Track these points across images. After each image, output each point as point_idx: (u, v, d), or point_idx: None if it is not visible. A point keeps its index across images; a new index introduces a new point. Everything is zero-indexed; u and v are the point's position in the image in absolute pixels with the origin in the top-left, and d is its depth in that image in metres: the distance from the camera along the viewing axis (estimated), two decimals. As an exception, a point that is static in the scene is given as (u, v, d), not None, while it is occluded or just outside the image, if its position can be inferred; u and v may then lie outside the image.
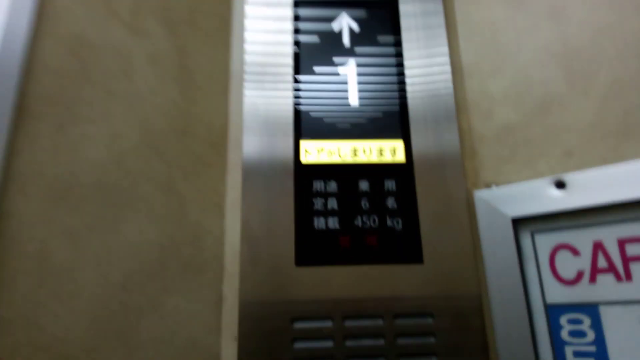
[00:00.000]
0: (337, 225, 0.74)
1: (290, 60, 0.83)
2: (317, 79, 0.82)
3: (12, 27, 0.56)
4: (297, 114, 0.80)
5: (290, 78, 0.82)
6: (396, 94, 0.82)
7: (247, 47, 0.82)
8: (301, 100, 0.81)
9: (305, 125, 0.79)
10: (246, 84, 0.80)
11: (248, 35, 0.83)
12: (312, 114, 0.80)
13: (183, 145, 0.71)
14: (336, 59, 0.84)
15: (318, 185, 0.76)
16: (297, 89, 0.81)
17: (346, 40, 0.85)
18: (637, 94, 0.65)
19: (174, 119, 0.71)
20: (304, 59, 0.84)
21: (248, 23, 0.84)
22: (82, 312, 0.54)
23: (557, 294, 0.66)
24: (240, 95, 0.80)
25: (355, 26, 0.86)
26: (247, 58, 0.81)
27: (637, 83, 0.66)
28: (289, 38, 0.84)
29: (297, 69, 0.83)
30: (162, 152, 0.68)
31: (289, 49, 0.83)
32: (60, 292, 0.53)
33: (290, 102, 0.80)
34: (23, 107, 0.54)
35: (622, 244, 0.62)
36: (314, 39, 0.85)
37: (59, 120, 0.57)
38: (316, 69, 0.83)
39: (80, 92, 0.60)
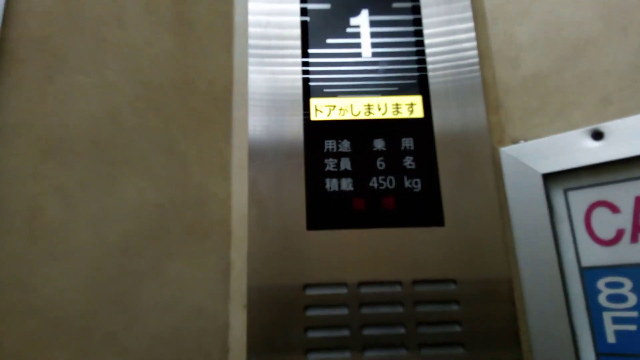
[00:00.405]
0: (350, 187, 0.69)
1: (298, 20, 0.76)
2: (329, 40, 0.76)
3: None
4: (306, 75, 0.74)
5: (298, 41, 0.76)
6: (413, 46, 0.76)
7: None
8: (310, 65, 0.75)
9: (315, 82, 0.73)
10: (250, 38, 0.74)
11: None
12: (322, 70, 0.74)
13: (182, 101, 0.66)
14: (348, 10, 0.77)
15: (330, 144, 0.71)
16: (304, 26, 0.75)
17: (358, -10, 0.78)
18: (687, 30, 0.58)
19: (171, 73, 0.66)
20: (313, 15, 0.77)
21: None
22: (77, 274, 0.50)
23: (594, 255, 0.60)
24: (245, 50, 0.75)
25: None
26: (251, 6, 0.75)
27: (687, 18, 0.58)
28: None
29: (305, 29, 0.76)
30: (160, 108, 0.63)
31: (297, 5, 0.77)
32: (53, 252, 0.49)
33: (298, 58, 0.74)
34: (6, 50, 0.50)
35: (669, 197, 0.56)
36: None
37: (47, 67, 0.52)
38: (327, 33, 0.77)
39: (69, 38, 0.55)
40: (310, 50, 0.75)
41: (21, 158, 0.49)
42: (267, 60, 0.74)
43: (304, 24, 0.76)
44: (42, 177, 0.50)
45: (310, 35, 0.76)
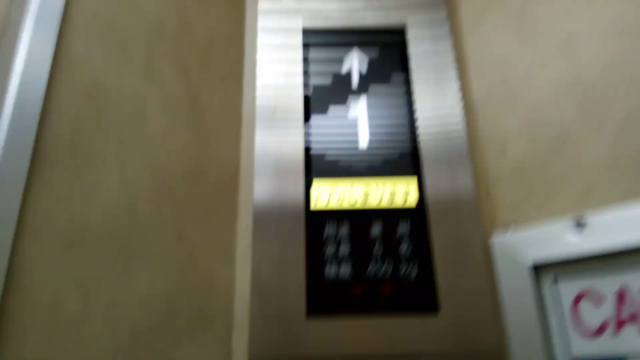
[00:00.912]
0: (349, 274, 0.72)
1: (300, 103, 0.83)
2: (328, 122, 0.83)
3: (30, 75, 0.57)
4: (308, 156, 0.80)
5: (300, 120, 0.82)
6: (407, 134, 0.82)
7: (259, 90, 0.83)
8: (312, 143, 0.81)
9: (316, 168, 0.79)
10: (258, 127, 0.80)
11: (260, 79, 0.84)
12: (322, 156, 0.80)
13: (194, 190, 0.71)
14: (346, 100, 0.84)
15: (329, 231, 0.75)
16: (307, 132, 0.81)
17: (355, 81, 0.86)
18: (655, 132, 0.64)
19: (185, 163, 0.71)
20: (315, 101, 0.84)
21: (260, 66, 0.85)
22: (89, 366, 0.53)
23: (582, 346, 0.63)
24: (252, 138, 0.81)
25: (364, 67, 0.87)
26: (259, 101, 0.82)
27: (654, 121, 0.64)
28: (300, 80, 0.85)
29: (308, 112, 0.83)
30: (173, 198, 0.68)
31: (300, 92, 0.84)
32: (70, 344, 0.52)
33: (301, 144, 0.80)
34: (39, 154, 0.55)
35: (650, 291, 0.59)
36: (323, 80, 0.86)
37: (74, 167, 0.57)
38: (326, 110, 0.83)
39: (94, 138, 0.61)
40: (312, 131, 0.81)
41: (46, 253, 0.53)
42: (272, 146, 0.80)
43: (307, 109, 0.83)
44: (64, 270, 0.54)
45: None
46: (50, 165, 0.55)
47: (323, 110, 0.83)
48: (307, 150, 0.80)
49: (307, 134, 0.81)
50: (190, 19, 0.79)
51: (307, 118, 0.82)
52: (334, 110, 0.84)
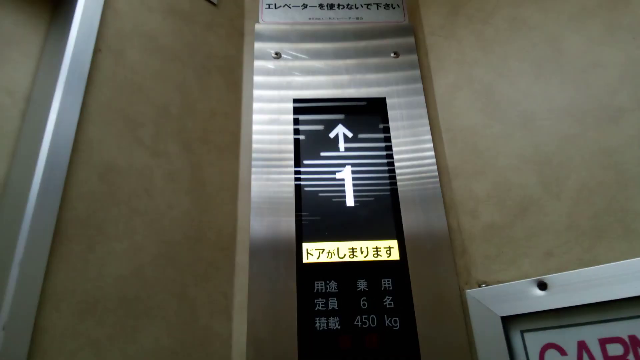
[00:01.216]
0: (337, 326, 0.79)
1: (292, 162, 0.92)
2: (317, 183, 0.91)
3: (53, 159, 0.65)
4: (300, 217, 0.87)
5: (292, 174, 0.90)
6: (388, 195, 0.90)
7: (255, 153, 0.92)
8: (303, 207, 0.89)
9: (307, 229, 0.87)
10: (253, 189, 0.89)
11: (255, 147, 0.93)
12: (313, 217, 0.88)
13: (195, 252, 0.79)
14: (334, 162, 0.93)
15: (319, 285, 0.82)
16: (298, 180, 0.90)
17: (341, 146, 0.95)
18: (603, 199, 0.72)
19: (188, 229, 0.79)
20: (304, 159, 0.93)
21: (255, 137, 0.94)
22: (99, 422, 0.58)
23: (550, 394, 0.69)
24: (247, 201, 0.89)
25: (349, 134, 0.97)
26: (255, 162, 0.91)
27: (601, 188, 0.73)
28: (291, 146, 0.94)
29: (298, 163, 0.92)
30: (177, 261, 0.75)
31: (291, 154, 0.93)
32: (83, 403, 0.58)
33: (292, 204, 0.88)
34: (59, 231, 0.62)
35: (603, 344, 0.66)
36: (311, 143, 0.95)
37: (89, 240, 0.65)
38: (317, 173, 0.92)
39: (107, 212, 0.68)
40: (303, 191, 0.89)
41: (64, 319, 0.60)
42: (266, 218, 0.88)
43: (297, 187, 0.92)
44: (80, 334, 0.60)
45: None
46: (68, 240, 0.63)
47: (312, 171, 0.92)
48: (299, 206, 0.88)
49: (298, 191, 0.89)
50: (193, 98, 0.89)
51: (297, 168, 0.91)
52: (322, 170, 0.92)
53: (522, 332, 0.74)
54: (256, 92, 0.99)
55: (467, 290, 0.81)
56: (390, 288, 0.82)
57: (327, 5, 1.12)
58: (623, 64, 0.76)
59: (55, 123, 0.67)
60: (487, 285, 0.79)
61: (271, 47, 1.05)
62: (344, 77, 1.03)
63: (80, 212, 0.65)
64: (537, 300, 0.72)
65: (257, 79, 1.01)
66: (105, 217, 0.68)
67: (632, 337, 0.64)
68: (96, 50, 0.75)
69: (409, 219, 0.88)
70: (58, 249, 0.61)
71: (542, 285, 0.72)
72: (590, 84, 0.79)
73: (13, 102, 0.71)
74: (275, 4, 1.11)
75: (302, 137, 0.96)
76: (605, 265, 0.68)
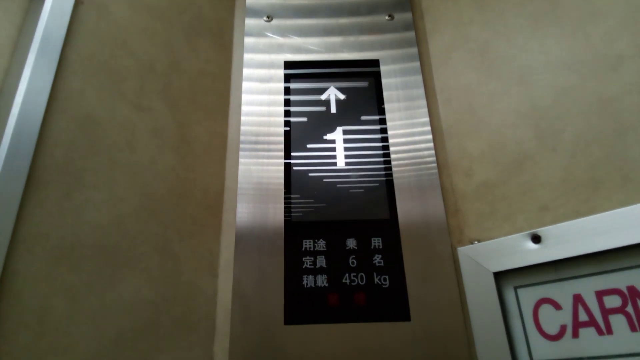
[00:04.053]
0: (325, 283, 0.77)
1: (282, 130, 0.90)
2: (308, 145, 0.89)
3: (28, 106, 0.64)
4: (288, 176, 0.85)
5: (282, 145, 0.88)
6: (381, 156, 0.88)
7: (244, 118, 0.90)
8: (292, 164, 0.87)
9: (295, 186, 0.85)
10: (242, 151, 0.87)
11: (245, 108, 0.91)
12: (302, 177, 0.86)
13: (180, 208, 0.77)
14: (325, 128, 0.91)
15: (307, 244, 0.80)
16: (288, 155, 0.88)
17: (334, 111, 0.93)
18: (601, 149, 0.69)
19: (172, 185, 0.77)
20: (295, 127, 0.91)
21: (245, 99, 0.92)
22: (74, 367, 0.57)
23: (544, 349, 0.66)
24: (236, 162, 0.87)
25: (341, 96, 0.94)
26: (243, 129, 0.89)
27: (599, 138, 0.70)
28: (281, 115, 0.92)
29: (288, 137, 0.90)
30: (160, 215, 0.73)
31: (281, 120, 0.91)
32: (57, 345, 0.56)
33: (281, 166, 0.86)
34: (33, 176, 0.61)
35: (600, 296, 0.63)
36: (304, 109, 0.93)
37: (66, 187, 0.63)
38: (307, 135, 0.90)
39: (86, 162, 0.67)
40: (292, 153, 0.87)
41: (38, 263, 0.58)
42: (254, 167, 0.86)
43: (287, 133, 0.90)
44: (54, 279, 0.59)
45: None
46: (44, 186, 0.62)
47: (304, 135, 0.90)
48: (287, 170, 0.86)
49: (287, 157, 0.87)
50: (180, 57, 0.88)
51: (287, 142, 0.89)
52: (313, 135, 0.90)
53: (515, 287, 0.71)
54: (247, 55, 0.98)
55: (459, 248, 0.78)
56: (380, 247, 0.80)
57: (320, -30, 1.09)
58: (622, 11, 0.73)
59: (31, 71, 0.65)
60: (479, 242, 0.77)
61: (262, 8, 1.02)
62: (338, 42, 1.00)
63: (57, 159, 0.64)
64: (531, 254, 0.69)
65: (247, 41, 0.99)
66: (84, 167, 0.67)
67: (631, 288, 0.61)
68: (78, 2, 0.74)
69: (401, 180, 0.85)
70: (32, 194, 0.60)
71: (536, 239, 0.69)
72: (588, 33, 0.76)
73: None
74: (267, -31, 1.09)
75: (292, 99, 0.94)
76: (601, 214, 0.65)
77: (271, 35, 1.00)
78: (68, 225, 0.62)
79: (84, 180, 0.66)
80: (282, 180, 0.85)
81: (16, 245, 0.57)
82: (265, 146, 0.88)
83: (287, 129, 0.90)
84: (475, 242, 0.77)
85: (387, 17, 1.03)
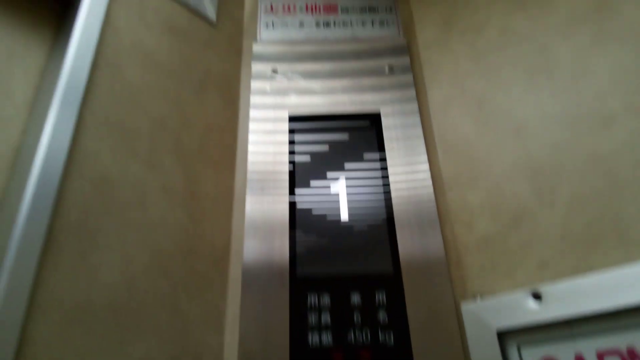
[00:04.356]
0: (330, 341, 0.78)
1: (287, 177, 0.92)
2: (311, 195, 0.91)
3: (48, 169, 0.67)
4: (293, 228, 0.87)
5: (286, 194, 0.91)
6: (383, 207, 0.90)
7: (250, 167, 0.93)
8: (297, 215, 0.89)
9: (300, 242, 0.86)
10: (248, 202, 0.89)
11: (251, 158, 0.94)
12: (307, 228, 0.88)
13: (188, 265, 0.79)
14: (328, 178, 0.94)
15: (312, 298, 0.81)
16: (292, 205, 0.90)
17: (336, 157, 0.95)
18: (596, 206, 0.71)
19: (181, 241, 0.79)
20: (299, 176, 0.93)
21: (251, 151, 0.95)
22: None
23: (548, 408, 0.67)
24: (242, 215, 0.89)
25: (344, 147, 0.97)
26: (250, 177, 0.91)
27: (594, 195, 0.72)
28: (286, 158, 0.94)
29: (293, 186, 0.92)
30: (170, 273, 0.75)
31: (286, 167, 0.94)
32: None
33: (286, 216, 0.88)
34: (50, 239, 0.63)
35: (601, 356, 0.64)
36: (307, 158, 0.95)
37: (81, 249, 0.66)
38: (310, 184, 0.92)
39: (100, 222, 0.69)
40: (297, 231, 0.90)
41: (51, 326, 0.60)
42: (260, 219, 0.88)
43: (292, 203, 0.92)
44: (67, 343, 0.60)
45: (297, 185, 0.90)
46: (59, 248, 0.64)
47: (307, 184, 0.92)
48: (293, 223, 0.88)
49: (292, 206, 0.90)
50: (189, 113, 0.91)
51: (292, 191, 0.91)
52: (316, 184, 0.93)
53: (518, 346, 0.72)
54: (252, 108, 1.01)
55: (463, 303, 0.79)
56: (384, 301, 0.81)
57: (323, 23, 1.14)
58: (612, 70, 0.76)
59: (51, 134, 0.69)
60: (482, 297, 0.78)
61: (268, 63, 1.07)
62: (340, 94, 1.04)
63: (73, 220, 0.66)
64: (533, 312, 0.70)
65: (253, 94, 1.03)
66: (98, 227, 0.69)
67: (631, 351, 0.62)
68: (94, 65, 0.77)
69: (404, 232, 0.87)
70: (49, 257, 0.62)
71: (537, 296, 0.71)
72: (580, 90, 0.79)
73: (16, 113, 0.73)
74: (273, 23, 1.14)
75: (297, 152, 0.97)
76: (599, 273, 0.66)
77: (276, 87, 1.04)
78: (82, 288, 0.64)
79: (98, 240, 0.68)
80: (287, 233, 0.87)
81: (33, 310, 0.59)
82: (270, 196, 0.90)
83: (292, 178, 0.93)
84: (478, 296, 0.79)
85: (387, 70, 1.06)
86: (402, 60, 1.08)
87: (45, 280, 0.61)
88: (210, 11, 1.06)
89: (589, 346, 0.65)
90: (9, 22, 0.80)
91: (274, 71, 1.05)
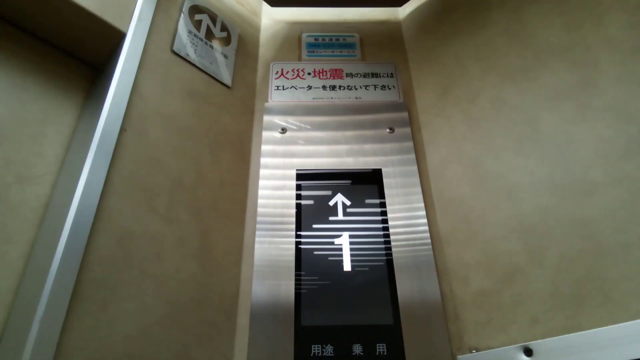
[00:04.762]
0: (333, 390, 0.81)
1: (292, 224, 0.99)
2: (317, 247, 0.97)
3: (77, 226, 0.73)
4: (299, 281, 0.93)
5: (292, 235, 0.97)
6: (384, 260, 0.95)
7: (259, 219, 1.00)
8: (302, 257, 0.94)
9: (305, 295, 0.92)
10: (256, 253, 0.95)
11: (260, 212, 1.01)
12: (311, 281, 0.93)
13: (199, 314, 0.84)
14: (332, 229, 1.00)
15: (316, 349, 0.85)
16: (298, 244, 0.96)
17: (341, 217, 1.02)
18: (582, 267, 0.77)
19: (193, 291, 0.85)
20: (305, 224, 1.00)
21: (260, 203, 1.02)
22: None
23: None
24: (251, 266, 0.95)
25: (347, 202, 1.04)
26: (258, 234, 0.98)
27: (581, 257, 0.77)
28: (292, 212, 1.01)
29: (299, 229, 0.98)
30: (181, 322, 0.80)
31: (292, 218, 1.00)
32: None
33: (292, 270, 0.94)
34: (76, 292, 0.69)
35: (589, 413, 0.67)
36: (314, 212, 1.02)
37: (102, 301, 0.71)
38: (316, 238, 0.99)
39: (121, 275, 0.75)
40: (301, 242, 0.95)
41: (73, 375, 0.64)
42: (267, 281, 0.94)
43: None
44: (86, 390, 0.65)
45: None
46: (84, 300, 0.70)
47: (312, 237, 0.99)
48: (298, 278, 0.93)
49: (298, 260, 0.95)
50: (205, 170, 0.99)
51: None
52: (321, 240, 0.99)
53: (512, 399, 0.75)
54: (263, 164, 1.09)
55: (459, 356, 0.83)
56: (385, 353, 0.85)
57: (329, 87, 1.24)
58: (595, 142, 0.83)
59: (81, 194, 0.75)
60: (477, 351, 0.82)
61: (278, 122, 1.16)
62: (344, 151, 1.12)
63: (97, 274, 0.72)
64: (524, 367, 0.74)
65: (264, 151, 1.11)
66: (119, 279, 0.75)
67: (617, 406, 0.66)
68: (122, 130, 0.85)
69: (403, 285, 0.92)
70: (75, 308, 0.68)
71: (528, 352, 0.75)
72: (566, 159, 0.86)
73: (47, 172, 0.81)
74: (283, 86, 1.24)
75: (303, 205, 1.03)
76: (585, 331, 0.71)
77: (285, 143, 1.12)
78: (102, 337, 0.69)
79: (118, 292, 0.74)
80: (292, 280, 0.92)
81: (59, 356, 0.63)
82: (279, 237, 0.96)
83: (298, 223, 0.99)
84: (474, 350, 0.83)
85: (388, 130, 1.15)
86: (402, 120, 1.16)
87: (70, 330, 0.66)
88: (227, 76, 1.16)
89: (578, 403, 0.69)
90: (43, 84, 0.90)
91: (283, 130, 1.14)
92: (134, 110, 0.89)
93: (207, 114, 1.06)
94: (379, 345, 0.86)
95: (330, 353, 0.85)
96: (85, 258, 0.72)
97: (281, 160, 1.10)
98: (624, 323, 0.68)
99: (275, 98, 1.22)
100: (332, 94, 1.23)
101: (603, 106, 0.85)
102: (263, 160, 1.10)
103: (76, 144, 0.88)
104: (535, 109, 0.95)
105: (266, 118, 1.17)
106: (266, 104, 1.19)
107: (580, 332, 0.71)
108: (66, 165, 0.87)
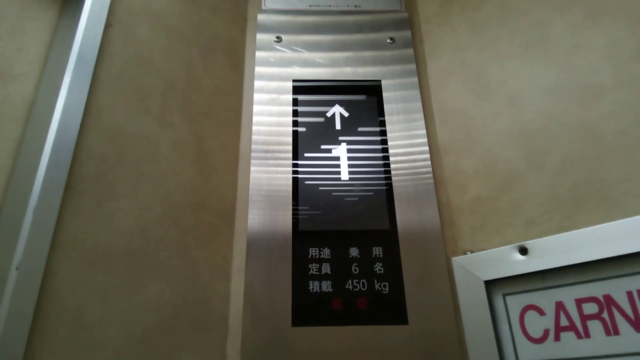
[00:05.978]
0: (330, 289, 0.83)
1: (290, 141, 0.97)
2: (314, 157, 0.96)
3: (66, 122, 0.70)
4: (296, 187, 0.92)
5: (290, 158, 0.95)
6: (382, 171, 0.95)
7: (255, 130, 0.97)
8: (299, 176, 0.93)
9: (303, 196, 0.91)
10: (253, 164, 0.94)
11: (255, 122, 0.98)
12: (309, 187, 0.93)
13: (198, 217, 0.83)
14: (330, 142, 0.98)
15: (313, 251, 0.87)
16: (295, 167, 0.94)
17: (338, 127, 1.00)
18: (583, 170, 0.77)
19: (191, 195, 0.84)
20: (302, 141, 0.98)
21: (256, 111, 0.99)
22: (106, 361, 0.63)
23: (529, 352, 0.73)
24: (247, 173, 0.94)
25: (345, 113, 1.01)
26: (255, 140, 0.96)
27: (582, 161, 0.77)
28: (289, 129, 0.98)
29: (296, 149, 0.96)
30: (180, 223, 0.80)
31: (289, 137, 0.98)
32: (91, 342, 0.62)
33: (289, 177, 0.93)
34: (70, 186, 0.67)
35: (579, 303, 0.70)
36: (310, 127, 1.00)
37: (98, 197, 0.70)
38: (312, 149, 0.97)
39: (115, 174, 0.73)
40: (300, 164, 0.94)
41: (75, 266, 0.64)
42: (264, 177, 0.92)
43: (295, 147, 0.96)
44: (88, 281, 0.65)
45: (299, 150, 0.95)
46: (79, 195, 0.68)
47: (310, 148, 0.97)
48: (295, 181, 0.93)
49: (295, 169, 0.94)
50: (198, 75, 0.94)
51: (295, 155, 0.96)
52: (319, 148, 0.97)
53: (504, 295, 0.78)
54: (257, 73, 1.04)
55: (453, 258, 0.85)
56: (381, 255, 0.87)
57: (327, -7, 1.16)
58: (604, 45, 0.81)
59: (67, 89, 0.71)
60: (472, 253, 0.84)
61: (273, 30, 1.10)
62: (342, 60, 1.07)
63: (90, 170, 0.70)
64: (518, 264, 0.76)
65: (258, 60, 1.06)
66: (114, 177, 0.73)
67: (607, 296, 0.68)
68: (107, 25, 0.80)
69: (400, 193, 0.92)
70: (69, 203, 0.66)
71: (523, 250, 0.77)
72: (573, 64, 0.83)
73: (30, 69, 0.76)
74: (277, -8, 1.16)
75: (300, 115, 1.01)
76: (581, 229, 0.72)
77: (281, 52, 1.07)
78: (101, 232, 0.68)
79: (115, 190, 0.72)
80: (290, 190, 0.91)
81: (55, 249, 0.63)
82: (274, 160, 0.95)
83: (295, 141, 0.97)
84: (468, 252, 0.84)
85: (389, 41, 1.10)
86: (403, 30, 1.11)
87: (66, 223, 0.65)
88: (218, -23, 1.08)
89: (569, 295, 0.71)
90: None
91: (278, 38, 1.08)
92: (119, 4, 0.83)
93: (198, 17, 1.00)
94: (375, 249, 0.87)
95: (328, 255, 0.87)
96: (76, 154, 0.69)
97: (277, 70, 1.05)
98: (620, 220, 0.69)
99: (270, 5, 1.14)
100: (330, 1, 1.16)
101: (615, 8, 0.81)
102: (258, 70, 1.05)
103: (59, 40, 0.82)
104: (544, 14, 0.91)
105: (260, 25, 1.10)
106: (259, 13, 1.12)
107: (576, 230, 0.73)
108: (50, 62, 0.81)
